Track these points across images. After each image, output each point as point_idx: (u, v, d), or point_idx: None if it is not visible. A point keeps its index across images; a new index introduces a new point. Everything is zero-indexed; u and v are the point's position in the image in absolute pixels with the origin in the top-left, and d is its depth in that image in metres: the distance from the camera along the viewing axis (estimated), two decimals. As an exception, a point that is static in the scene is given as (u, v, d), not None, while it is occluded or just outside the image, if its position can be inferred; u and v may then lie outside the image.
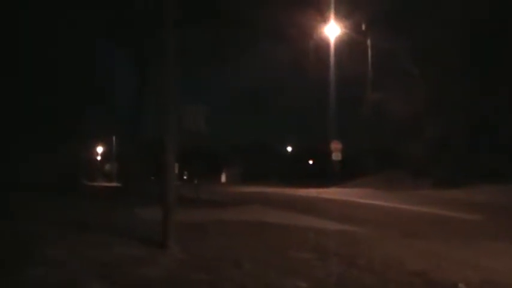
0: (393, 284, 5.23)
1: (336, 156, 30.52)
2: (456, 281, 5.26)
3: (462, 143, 27.15)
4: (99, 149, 65.58)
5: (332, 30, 30.20)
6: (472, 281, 5.35)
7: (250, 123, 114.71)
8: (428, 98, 28.11)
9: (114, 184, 39.85)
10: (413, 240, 8.12)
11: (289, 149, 72.28)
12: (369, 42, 31.48)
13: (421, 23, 27.82)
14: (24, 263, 5.55)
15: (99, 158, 68.29)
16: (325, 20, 29.41)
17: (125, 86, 23.12)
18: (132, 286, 4.89)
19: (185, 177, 52.24)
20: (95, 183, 40.73)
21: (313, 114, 58.93)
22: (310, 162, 64.11)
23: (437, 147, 28.05)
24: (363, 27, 30.70)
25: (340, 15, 29.84)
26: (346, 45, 30.46)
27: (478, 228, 10.42)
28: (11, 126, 18.24)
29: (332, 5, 29.17)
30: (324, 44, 30.09)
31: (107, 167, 67.90)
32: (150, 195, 14.88)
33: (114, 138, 53.73)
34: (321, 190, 25.02)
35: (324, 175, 34.09)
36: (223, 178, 75.15)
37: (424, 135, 28.72)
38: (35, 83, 18.73)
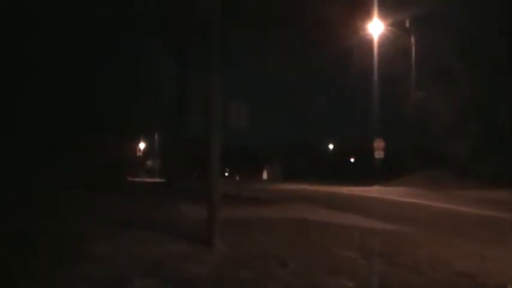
0: (440, 284, 5.19)
1: (379, 154, 30.22)
2: (505, 283, 5.19)
3: (506, 142, 26.60)
4: (141, 145, 66.47)
5: (375, 27, 29.87)
6: (522, 284, 5.26)
7: (291, 121, 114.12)
8: (471, 96, 27.63)
9: (156, 180, 40.34)
10: (459, 241, 8.01)
11: (330, 146, 71.88)
12: (412, 39, 31.04)
13: (465, 21, 27.39)
14: (74, 260, 5.69)
15: (140, 154, 69.15)
16: (368, 17, 29.11)
17: (169, 85, 23.30)
18: (179, 283, 4.96)
19: (226, 174, 52.58)
20: (137, 179, 41.28)
21: (355, 112, 58.75)
22: (352, 160, 63.60)
23: (481, 147, 27.56)
24: (407, 24, 30.29)
25: (384, 12, 29.52)
26: (389, 42, 30.09)
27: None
28: (58, 126, 18.70)
29: (376, 2, 28.86)
30: (367, 42, 29.77)
31: (149, 163, 68.85)
32: (192, 193, 15.04)
33: (156, 135, 54.26)
34: (363, 188, 24.85)
35: (366, 173, 33.79)
36: (264, 175, 75.18)
37: (467, 134, 28.23)
38: (81, 84, 19.11)
